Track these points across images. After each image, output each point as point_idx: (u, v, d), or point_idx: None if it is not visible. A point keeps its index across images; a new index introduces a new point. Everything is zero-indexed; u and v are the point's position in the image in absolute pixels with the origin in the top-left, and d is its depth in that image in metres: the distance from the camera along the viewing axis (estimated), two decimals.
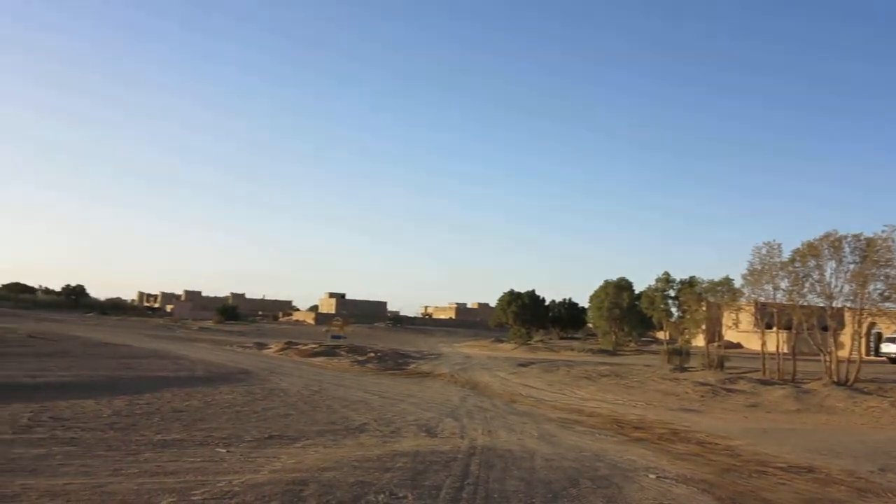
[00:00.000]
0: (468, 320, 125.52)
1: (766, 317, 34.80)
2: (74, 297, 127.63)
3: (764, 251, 30.03)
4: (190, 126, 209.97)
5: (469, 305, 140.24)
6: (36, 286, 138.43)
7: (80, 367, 22.66)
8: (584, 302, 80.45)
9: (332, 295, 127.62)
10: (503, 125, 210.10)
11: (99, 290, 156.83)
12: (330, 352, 40.28)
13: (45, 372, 20.49)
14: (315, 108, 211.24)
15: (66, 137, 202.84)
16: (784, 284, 29.45)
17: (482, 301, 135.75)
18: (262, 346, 46.04)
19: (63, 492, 7.27)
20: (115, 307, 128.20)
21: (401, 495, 7.69)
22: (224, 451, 10.44)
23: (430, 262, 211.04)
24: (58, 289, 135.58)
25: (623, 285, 64.20)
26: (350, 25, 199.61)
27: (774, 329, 33.95)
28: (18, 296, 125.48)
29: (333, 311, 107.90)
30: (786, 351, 31.97)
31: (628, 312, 62.24)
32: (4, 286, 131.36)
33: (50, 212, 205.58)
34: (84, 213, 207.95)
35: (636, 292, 62.44)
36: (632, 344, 65.97)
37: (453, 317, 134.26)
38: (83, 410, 13.91)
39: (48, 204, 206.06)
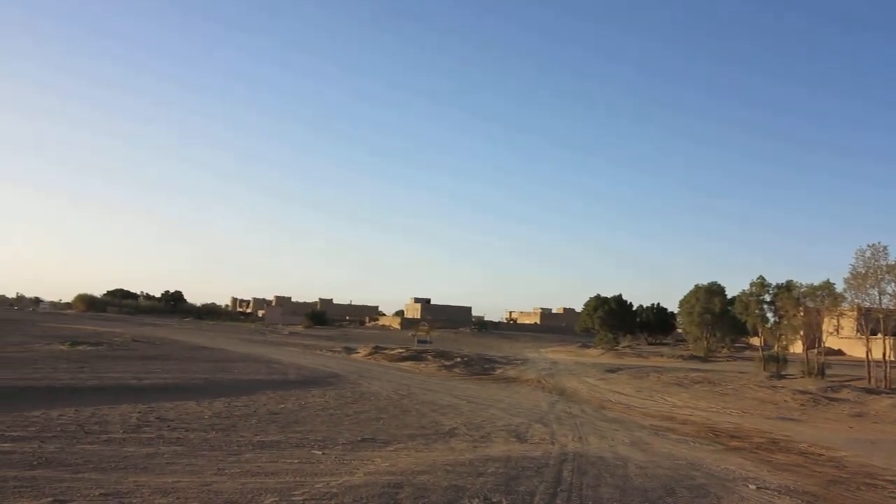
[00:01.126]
0: (553, 325, 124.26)
1: (871, 322, 33.14)
2: (173, 303, 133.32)
3: (868, 254, 28.69)
4: (287, 142, 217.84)
5: (554, 310, 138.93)
6: (138, 292, 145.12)
7: (181, 370, 23.63)
8: (673, 307, 78.59)
9: (417, 300, 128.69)
10: (593, 127, 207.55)
11: (195, 296, 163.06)
12: (417, 356, 40.65)
13: (149, 374, 21.48)
14: (403, 127, 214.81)
15: (176, 151, 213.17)
16: (890, 289, 28.03)
17: (568, 306, 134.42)
18: (350, 350, 46.87)
19: (173, 489, 7.60)
20: (210, 312, 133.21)
21: (495, 500, 7.70)
22: (320, 453, 10.70)
23: (515, 266, 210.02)
24: (158, 295, 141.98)
25: (715, 290, 62.29)
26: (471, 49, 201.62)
27: (880, 335, 32.28)
28: (122, 301, 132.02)
29: (418, 317, 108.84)
30: (893, 358, 30.35)
31: (720, 318, 60.33)
32: (109, 292, 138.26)
33: (154, 222, 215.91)
34: (184, 222, 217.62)
35: (728, 297, 60.50)
36: (724, 350, 63.93)
37: (538, 322, 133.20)
38: (186, 411, 14.52)
39: (155, 214, 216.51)
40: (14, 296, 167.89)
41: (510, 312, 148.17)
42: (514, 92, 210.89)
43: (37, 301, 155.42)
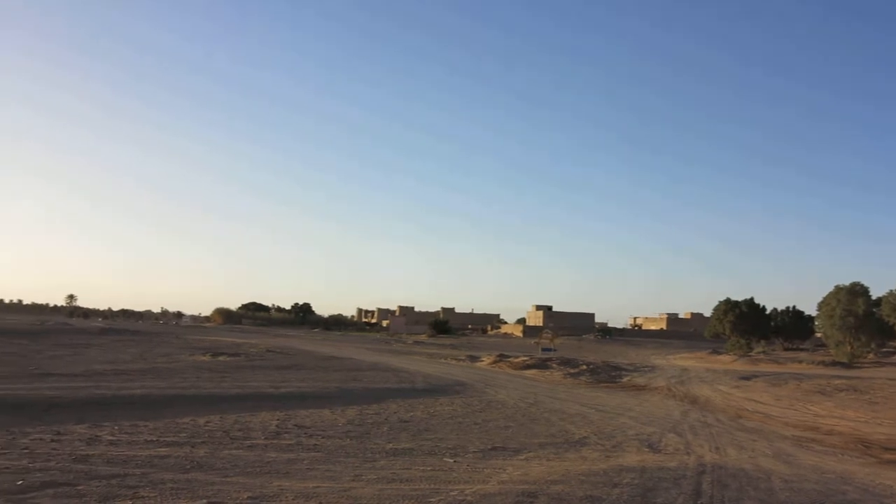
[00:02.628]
0: (680, 331, 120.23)
1: None
2: (302, 314, 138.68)
3: None
4: (412, 159, 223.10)
5: (681, 316, 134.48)
6: (269, 305, 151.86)
7: (314, 379, 24.50)
8: (810, 310, 74.25)
9: (538, 307, 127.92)
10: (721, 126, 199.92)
11: (323, 308, 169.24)
12: (541, 364, 40.34)
13: (285, 383, 22.40)
14: (533, 139, 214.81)
15: (301, 174, 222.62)
16: None
17: (695, 311, 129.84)
18: (474, 358, 47.11)
19: (314, 494, 7.87)
20: (337, 323, 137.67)
21: None
22: (451, 460, 10.79)
23: (638, 271, 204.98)
24: (288, 307, 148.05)
25: (857, 290, 58.34)
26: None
27: None
28: (255, 314, 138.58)
29: (541, 324, 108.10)
30: None
31: (865, 320, 56.46)
32: (244, 305, 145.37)
33: (282, 238, 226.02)
34: (310, 238, 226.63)
35: (874, 298, 56.55)
36: (870, 355, 59.72)
37: (664, 328, 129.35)
38: (321, 419, 15.03)
39: (283, 230, 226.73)
40: (159, 310, 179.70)
41: (634, 318, 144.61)
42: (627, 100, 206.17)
43: (179, 315, 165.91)
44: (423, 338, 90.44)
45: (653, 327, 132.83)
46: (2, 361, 26.17)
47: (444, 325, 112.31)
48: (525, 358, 44.31)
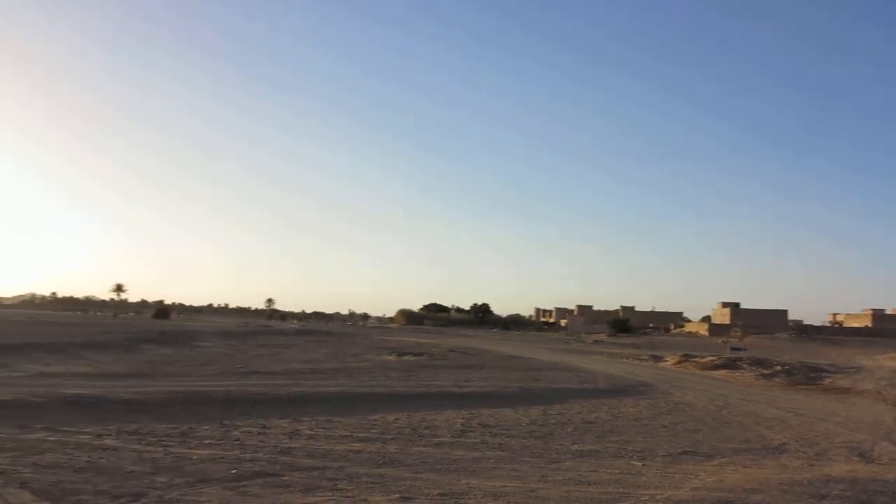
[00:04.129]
0: (889, 328, 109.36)
1: None
2: (481, 315, 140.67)
3: None
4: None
5: (888, 311, 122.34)
6: (449, 306, 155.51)
7: (496, 379, 24.76)
8: None
9: (725, 304, 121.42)
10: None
11: (501, 307, 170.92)
12: (730, 364, 38.22)
13: (468, 383, 22.81)
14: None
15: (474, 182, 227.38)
16: None
17: None
18: (657, 358, 45.53)
19: (501, 493, 7.94)
20: (515, 322, 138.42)
21: None
22: (639, 464, 10.48)
23: (837, 261, 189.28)
24: (467, 307, 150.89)
25: None
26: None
27: None
28: (436, 314, 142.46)
29: (727, 322, 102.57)
30: None
31: None
32: (424, 307, 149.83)
33: (464, 239, 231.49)
34: (489, 238, 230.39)
35: None
36: None
37: (869, 325, 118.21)
38: (504, 418, 15.15)
39: (464, 232, 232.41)
40: (347, 312, 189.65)
41: (834, 315, 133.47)
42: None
43: (365, 316, 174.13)
44: (602, 337, 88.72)
45: (856, 324, 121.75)
46: (215, 360, 28.74)
47: (625, 323, 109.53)
48: (712, 358, 42.18)
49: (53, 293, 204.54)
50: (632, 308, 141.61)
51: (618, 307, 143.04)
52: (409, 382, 22.14)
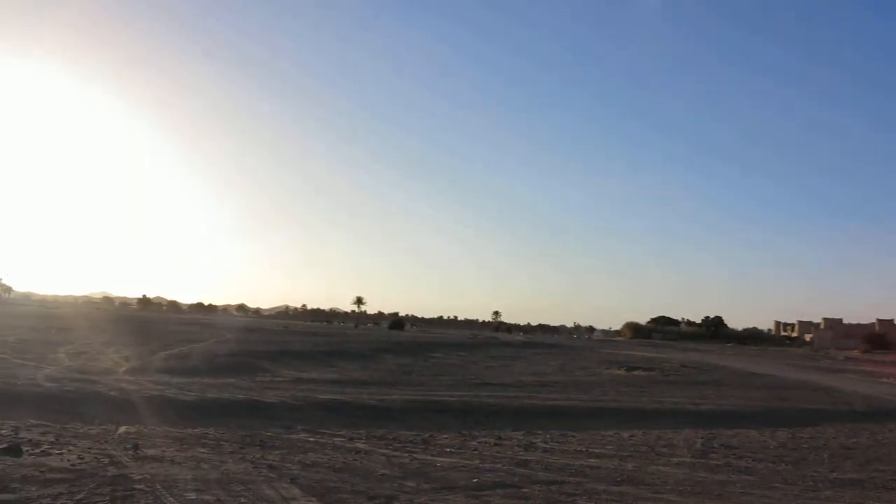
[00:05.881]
0: None
1: None
2: (713, 328, 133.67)
3: None
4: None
5: None
6: (679, 318, 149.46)
7: (734, 397, 23.37)
8: None
9: None
10: None
11: (736, 321, 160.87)
12: None
13: (704, 400, 21.75)
14: None
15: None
16: None
17: None
18: None
19: None
20: (752, 337, 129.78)
21: None
22: None
23: None
24: (698, 320, 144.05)
25: None
26: None
27: None
28: (664, 328, 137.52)
29: None
30: None
31: None
32: (652, 319, 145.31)
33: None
34: (722, 246, 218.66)
35: None
36: None
37: None
38: (748, 439, 14.23)
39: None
40: (572, 325, 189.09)
41: None
42: None
43: (591, 329, 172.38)
44: (855, 353, 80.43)
45: None
46: (448, 371, 29.93)
47: (882, 338, 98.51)
48: None
49: (304, 305, 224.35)
50: (890, 321, 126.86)
51: (873, 321, 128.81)
52: (641, 398, 21.56)
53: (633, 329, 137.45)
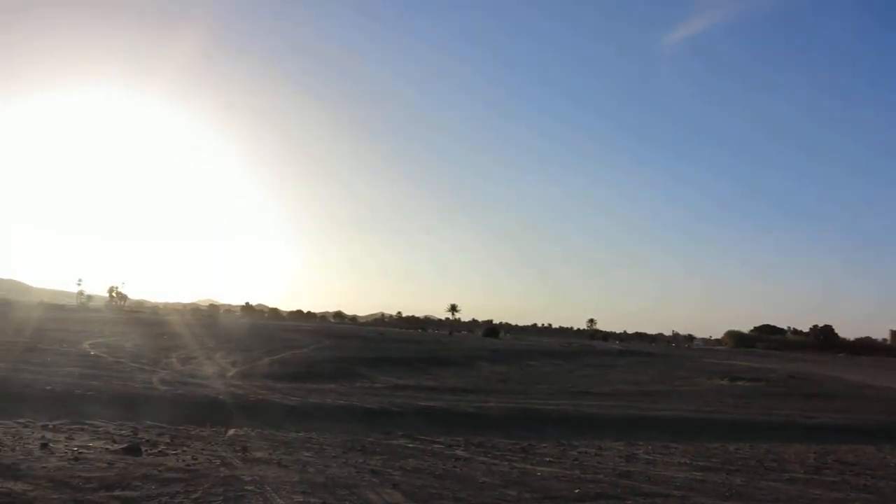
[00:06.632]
0: None
1: None
2: (822, 338, 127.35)
3: None
4: None
5: None
6: (784, 327, 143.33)
7: (848, 410, 22.22)
8: None
9: None
10: None
11: (846, 330, 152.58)
12: None
13: (815, 413, 20.75)
14: None
15: None
16: None
17: None
18: None
19: None
20: (865, 347, 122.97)
21: None
22: None
23: None
24: (805, 329, 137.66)
25: None
26: None
27: None
28: (769, 336, 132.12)
29: None
30: None
31: None
32: (756, 328, 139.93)
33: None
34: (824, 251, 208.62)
35: None
36: None
37: None
38: (865, 456, 13.48)
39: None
40: (670, 333, 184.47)
41: None
42: None
43: (690, 338, 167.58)
44: None
45: None
46: (545, 379, 29.71)
47: None
48: None
49: (399, 312, 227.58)
50: None
51: None
52: (748, 410, 20.78)
53: (735, 338, 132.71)
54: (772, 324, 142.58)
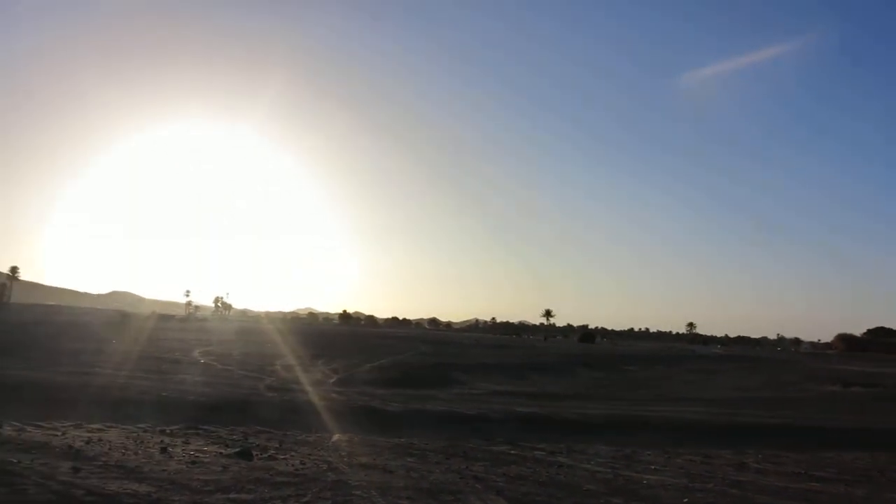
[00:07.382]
0: None
1: None
2: None
3: None
4: None
5: None
6: None
7: None
8: None
9: None
10: None
11: None
12: None
13: None
14: None
15: None
16: None
17: None
18: None
19: None
20: None
21: None
22: None
23: None
24: None
25: None
26: None
27: None
28: (886, 340, 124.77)
29: None
30: None
31: None
32: (869, 331, 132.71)
33: None
34: None
35: None
36: None
37: None
38: None
39: None
40: (775, 337, 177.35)
41: None
42: None
43: (797, 342, 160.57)
44: None
45: None
46: (645, 385, 29.10)
47: None
48: None
49: (493, 318, 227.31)
50: None
51: None
52: (863, 417, 19.71)
53: (847, 341, 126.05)
54: (888, 326, 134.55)
